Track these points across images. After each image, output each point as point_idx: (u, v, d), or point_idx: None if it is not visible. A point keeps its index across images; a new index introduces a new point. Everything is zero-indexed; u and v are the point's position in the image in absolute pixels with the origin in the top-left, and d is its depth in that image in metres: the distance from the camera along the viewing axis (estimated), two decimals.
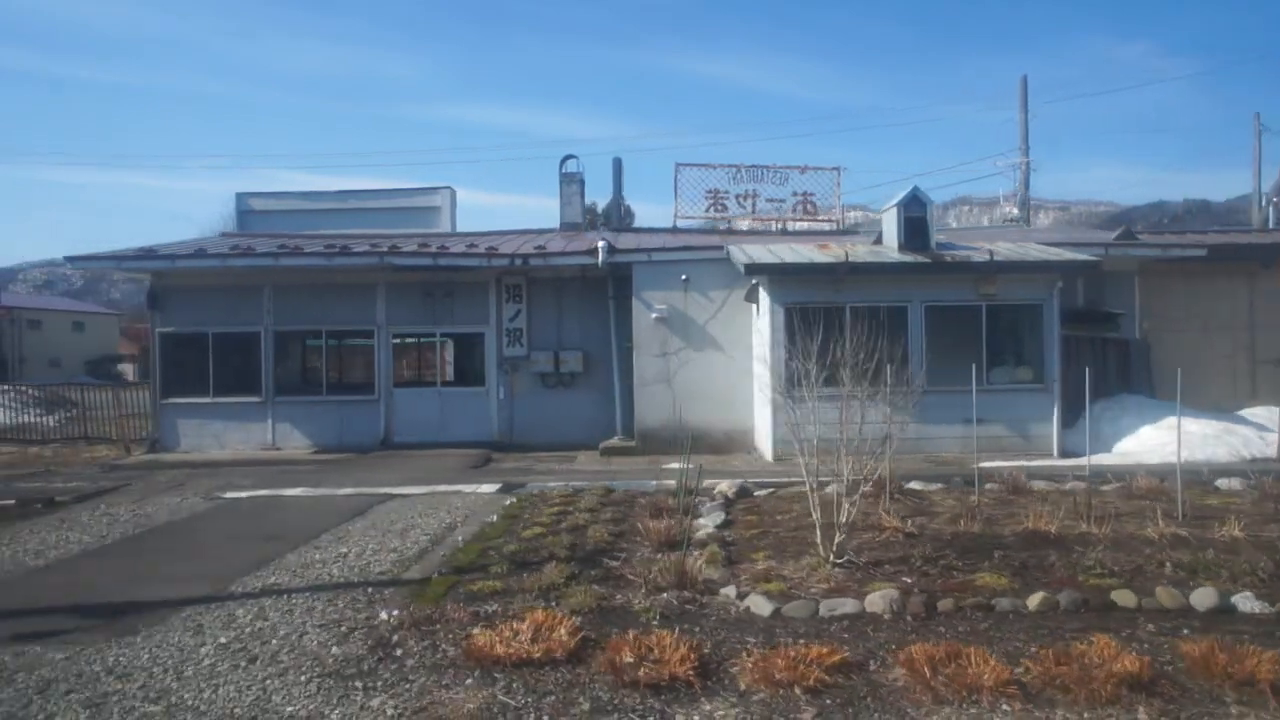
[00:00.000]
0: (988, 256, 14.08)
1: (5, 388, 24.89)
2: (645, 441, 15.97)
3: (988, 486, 10.12)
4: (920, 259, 14.25)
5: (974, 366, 10.36)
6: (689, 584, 6.35)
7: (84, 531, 9.36)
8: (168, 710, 4.59)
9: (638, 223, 29.73)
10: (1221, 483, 10.09)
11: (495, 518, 9.35)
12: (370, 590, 6.80)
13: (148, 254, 16.39)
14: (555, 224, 20.97)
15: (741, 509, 9.19)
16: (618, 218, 24.04)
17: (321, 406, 17.33)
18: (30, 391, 25.84)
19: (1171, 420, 14.07)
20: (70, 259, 16.79)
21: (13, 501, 10.91)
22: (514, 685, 4.71)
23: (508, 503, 10.28)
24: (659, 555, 7.44)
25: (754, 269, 14.04)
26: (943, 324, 14.33)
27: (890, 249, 15.20)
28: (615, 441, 16.33)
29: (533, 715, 4.37)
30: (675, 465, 14.28)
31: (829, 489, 10.23)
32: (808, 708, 4.38)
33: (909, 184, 15.82)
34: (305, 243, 17.13)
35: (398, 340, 17.71)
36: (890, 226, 15.54)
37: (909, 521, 7.85)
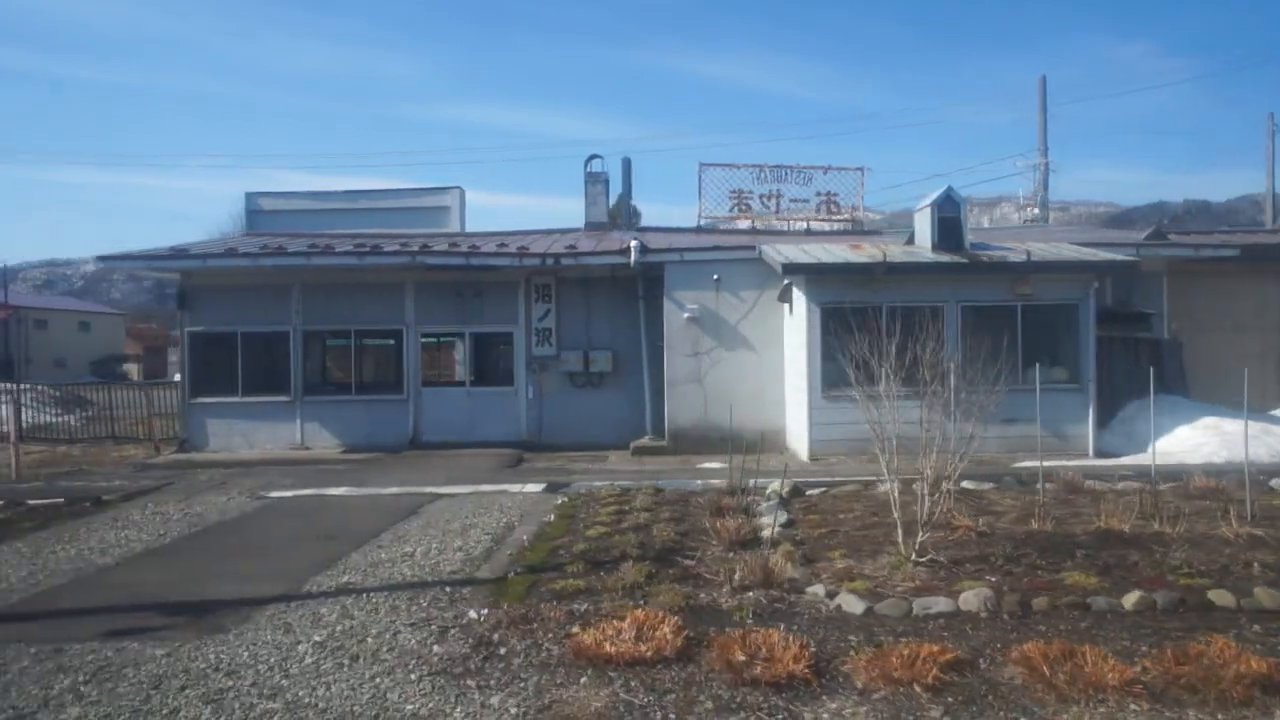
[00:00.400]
0: (1024, 257, 14.10)
1: (24, 387, 24.86)
2: (676, 441, 15.98)
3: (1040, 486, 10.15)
4: (958, 259, 14.26)
5: (1038, 366, 10.40)
6: (774, 583, 6.36)
7: (140, 530, 9.35)
8: (288, 707, 4.59)
9: (644, 222, 29.64)
10: (1276, 483, 10.08)
11: (552, 517, 9.35)
12: (448, 589, 6.79)
13: (180, 253, 16.38)
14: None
15: (800, 508, 9.20)
16: (627, 217, 23.94)
17: (350, 406, 17.31)
18: (48, 391, 25.86)
19: (1208, 420, 14.16)
20: (102, 258, 16.76)
21: (62, 500, 10.90)
22: (631, 684, 4.71)
23: (559, 502, 10.29)
24: (731, 554, 7.46)
25: (792, 269, 14.04)
26: (978, 324, 14.33)
27: (923, 249, 15.21)
28: (646, 441, 16.34)
29: (659, 713, 4.38)
30: (710, 465, 14.37)
31: (881, 488, 10.29)
32: (931, 705, 4.39)
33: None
34: (336, 242, 17.12)
35: (426, 340, 17.69)
36: (923, 226, 15.55)
37: (979, 520, 7.85)
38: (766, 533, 8.05)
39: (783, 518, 8.57)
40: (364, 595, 6.70)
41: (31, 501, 10.81)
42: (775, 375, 16.04)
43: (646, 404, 16.96)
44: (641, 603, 6.08)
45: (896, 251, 14.71)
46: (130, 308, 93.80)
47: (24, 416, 21.17)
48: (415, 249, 16.51)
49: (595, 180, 20.39)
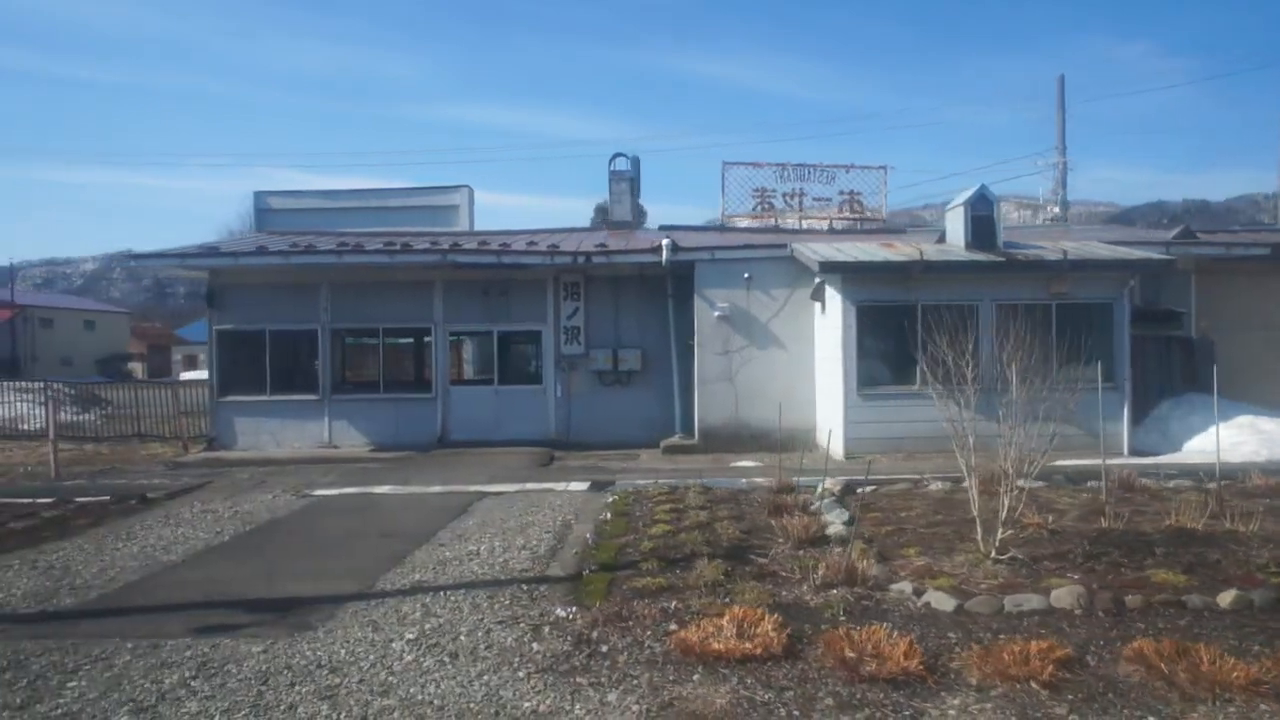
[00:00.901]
0: (1061, 255, 14.10)
1: (40, 385, 24.79)
2: (707, 440, 15.97)
3: (1090, 484, 10.18)
4: (995, 258, 14.27)
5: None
6: (857, 580, 6.36)
7: (194, 528, 9.33)
8: (403, 704, 4.58)
9: (648, 221, 29.47)
10: None
11: (609, 515, 9.34)
12: (525, 587, 6.78)
13: (211, 251, 16.36)
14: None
15: (857, 506, 9.15)
16: (636, 216, 23.73)
17: (378, 405, 17.28)
18: (65, 390, 25.78)
19: (1243, 419, 14.18)
20: (134, 256, 16.75)
21: (108, 498, 10.88)
22: (746, 680, 4.71)
23: (609, 500, 10.28)
24: (801, 552, 7.47)
25: (829, 267, 14.03)
26: (1012, 323, 14.32)
27: (956, 248, 15.21)
28: (676, 440, 16.34)
29: (782, 710, 4.37)
30: (744, 463, 14.38)
31: (933, 487, 10.30)
32: (1053, 703, 4.39)
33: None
34: (367, 240, 17.10)
35: (455, 338, 17.65)
36: (955, 225, 15.56)
37: (1048, 518, 7.86)
38: (832, 530, 8.06)
39: (845, 515, 8.58)
40: (441, 593, 6.69)
41: (80, 499, 10.80)
42: (805, 374, 16.04)
43: (675, 402, 16.96)
44: (726, 600, 6.07)
45: (932, 250, 14.70)
46: (129, 307, 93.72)
47: (45, 415, 21.15)
48: (446, 247, 16.48)
49: (620, 178, 20.37)
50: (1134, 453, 14.10)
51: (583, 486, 11.51)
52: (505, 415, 17.34)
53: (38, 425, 20.79)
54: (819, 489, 10.04)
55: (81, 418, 22.48)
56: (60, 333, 59.00)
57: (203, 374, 46.85)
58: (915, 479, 10.81)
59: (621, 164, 20.41)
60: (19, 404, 21.90)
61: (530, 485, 11.71)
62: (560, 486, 11.54)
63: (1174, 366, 15.56)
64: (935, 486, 10.27)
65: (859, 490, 10.22)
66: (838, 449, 14.35)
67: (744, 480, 11.71)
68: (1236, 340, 16.68)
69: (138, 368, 63.67)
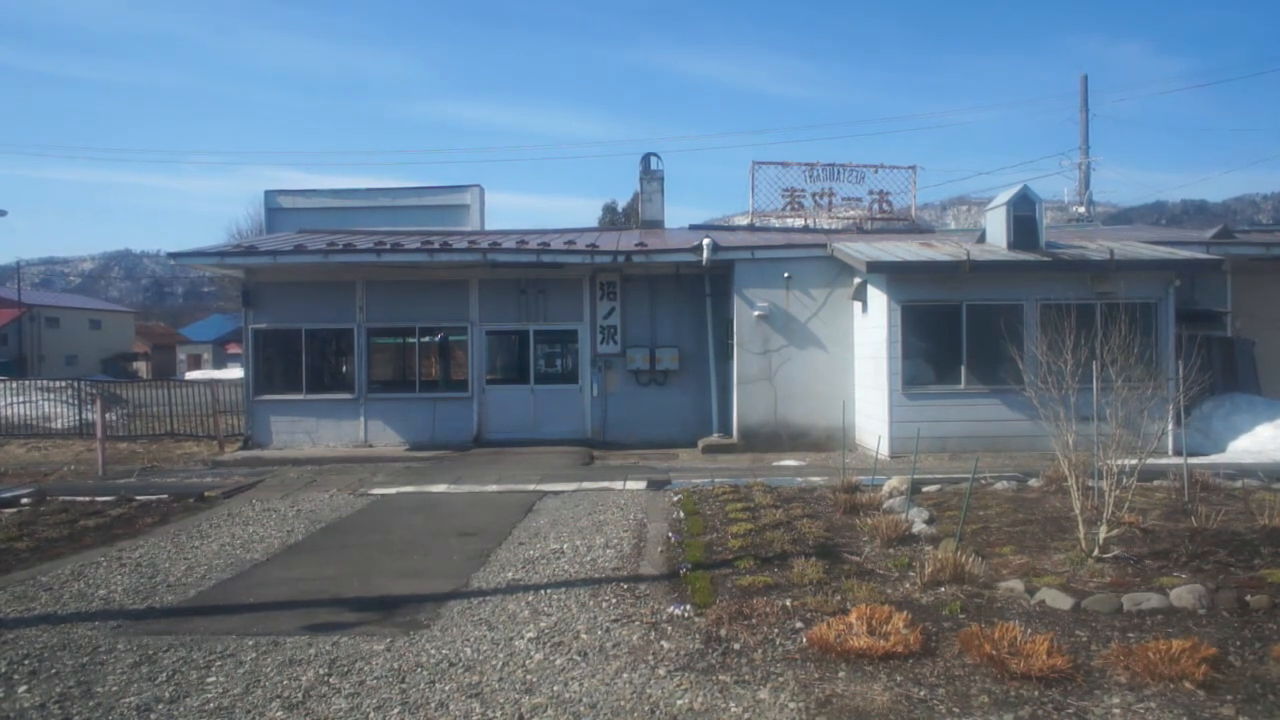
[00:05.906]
0: (1107, 255, 14.10)
1: (60, 384, 24.67)
2: (746, 439, 15.95)
3: (1158, 482, 10.15)
4: (1041, 258, 14.27)
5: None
6: (965, 578, 6.34)
7: (263, 527, 9.28)
8: (553, 702, 4.55)
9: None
10: None
11: (681, 514, 9.30)
12: (624, 586, 6.75)
13: (250, 250, 16.29)
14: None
15: (931, 506, 9.15)
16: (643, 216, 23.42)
17: (413, 404, 17.24)
18: (89, 389, 25.67)
19: None
20: (173, 255, 16.66)
21: (167, 496, 10.83)
22: (895, 677, 4.68)
23: (675, 499, 10.25)
24: (891, 550, 7.46)
25: (876, 267, 14.01)
26: (1057, 322, 14.33)
27: (998, 247, 15.20)
28: (715, 439, 16.31)
29: (941, 708, 4.34)
30: (787, 462, 14.37)
31: (999, 486, 10.28)
32: (1214, 703, 4.36)
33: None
34: (404, 239, 17.04)
35: (490, 337, 17.61)
36: (996, 225, 15.54)
37: (1138, 517, 7.84)
38: (917, 529, 8.04)
39: (924, 515, 8.55)
40: (540, 592, 6.65)
41: (140, 498, 10.73)
42: (844, 373, 16.02)
43: (713, 402, 16.94)
44: (838, 598, 6.05)
45: (977, 250, 14.69)
46: (128, 306, 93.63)
47: (73, 414, 21.07)
48: (485, 246, 16.45)
49: (652, 178, 20.33)
50: (1177, 453, 14.08)
51: (640, 485, 11.47)
52: (541, 414, 17.32)
53: (65, 424, 20.71)
54: (885, 488, 10.02)
55: (107, 417, 22.34)
56: (66, 331, 58.86)
57: (207, 373, 46.81)
58: (978, 478, 10.77)
59: (654, 164, 20.35)
60: (44, 403, 21.79)
61: (586, 484, 11.66)
62: (618, 485, 11.50)
63: (1215, 366, 15.54)
64: (1001, 486, 10.25)
65: (924, 489, 10.21)
66: (883, 449, 14.33)
67: (799, 479, 11.69)
68: (1274, 340, 16.71)
69: (142, 367, 63.58)
